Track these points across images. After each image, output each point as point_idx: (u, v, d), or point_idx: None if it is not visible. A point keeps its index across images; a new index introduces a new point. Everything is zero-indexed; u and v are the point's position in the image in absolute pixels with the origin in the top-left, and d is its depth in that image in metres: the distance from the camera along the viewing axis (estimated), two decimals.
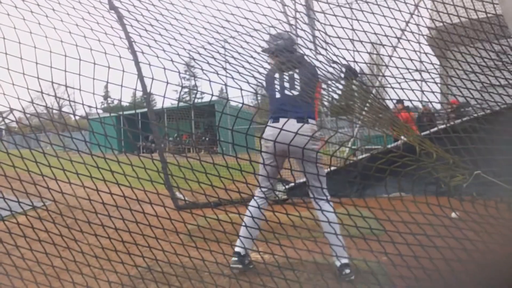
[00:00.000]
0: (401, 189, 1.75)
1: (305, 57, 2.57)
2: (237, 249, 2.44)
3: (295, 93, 2.48)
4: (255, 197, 2.50)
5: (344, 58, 1.99)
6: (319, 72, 2.42)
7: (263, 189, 2.47)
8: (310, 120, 2.41)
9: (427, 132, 4.09)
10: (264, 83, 2.54)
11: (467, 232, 1.55)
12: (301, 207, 1.79)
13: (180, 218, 1.97)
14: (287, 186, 5.05)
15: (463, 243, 1.54)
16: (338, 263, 2.37)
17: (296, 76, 2.50)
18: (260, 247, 2.55)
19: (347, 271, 2.33)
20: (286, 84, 2.53)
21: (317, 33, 2.04)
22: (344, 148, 8.46)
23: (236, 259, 2.44)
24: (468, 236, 1.55)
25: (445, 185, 1.56)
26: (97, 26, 1.84)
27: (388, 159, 1.60)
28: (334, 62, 2.26)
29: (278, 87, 2.54)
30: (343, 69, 2.32)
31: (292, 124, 2.27)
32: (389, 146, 4.71)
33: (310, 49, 2.29)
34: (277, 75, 2.59)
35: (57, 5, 1.87)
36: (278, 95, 2.55)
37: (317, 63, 2.43)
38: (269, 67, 2.61)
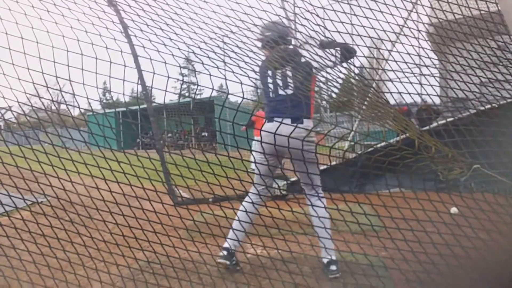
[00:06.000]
0: (400, 184, 1.75)
1: (299, 49, 2.49)
2: (226, 244, 2.42)
3: (289, 92, 2.44)
4: (249, 194, 2.50)
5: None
6: (314, 64, 2.36)
7: (258, 187, 2.44)
8: (305, 121, 2.36)
9: (427, 127, 4.08)
10: (259, 77, 2.51)
11: (467, 228, 1.56)
12: (305, 204, 1.79)
13: (178, 214, 1.97)
14: (288, 182, 5.06)
15: (462, 238, 1.55)
16: (325, 260, 2.37)
17: (289, 73, 2.44)
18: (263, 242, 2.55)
19: (333, 267, 2.31)
20: (280, 83, 2.48)
21: (316, 27, 2.03)
22: (343, 143, 8.44)
23: (224, 254, 2.41)
24: (468, 231, 1.56)
25: (444, 179, 1.56)
26: (93, 20, 1.83)
27: (387, 153, 1.60)
28: (328, 44, 2.22)
29: (271, 85, 2.50)
30: (338, 52, 2.26)
31: (286, 126, 2.08)
32: (390, 141, 4.69)
33: (309, 43, 2.26)
34: (270, 72, 2.52)
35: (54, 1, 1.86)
36: (272, 94, 2.52)
37: (311, 53, 2.31)
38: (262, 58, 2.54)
